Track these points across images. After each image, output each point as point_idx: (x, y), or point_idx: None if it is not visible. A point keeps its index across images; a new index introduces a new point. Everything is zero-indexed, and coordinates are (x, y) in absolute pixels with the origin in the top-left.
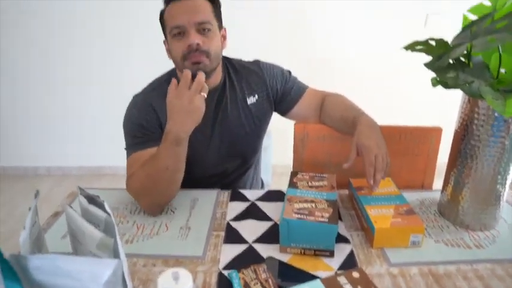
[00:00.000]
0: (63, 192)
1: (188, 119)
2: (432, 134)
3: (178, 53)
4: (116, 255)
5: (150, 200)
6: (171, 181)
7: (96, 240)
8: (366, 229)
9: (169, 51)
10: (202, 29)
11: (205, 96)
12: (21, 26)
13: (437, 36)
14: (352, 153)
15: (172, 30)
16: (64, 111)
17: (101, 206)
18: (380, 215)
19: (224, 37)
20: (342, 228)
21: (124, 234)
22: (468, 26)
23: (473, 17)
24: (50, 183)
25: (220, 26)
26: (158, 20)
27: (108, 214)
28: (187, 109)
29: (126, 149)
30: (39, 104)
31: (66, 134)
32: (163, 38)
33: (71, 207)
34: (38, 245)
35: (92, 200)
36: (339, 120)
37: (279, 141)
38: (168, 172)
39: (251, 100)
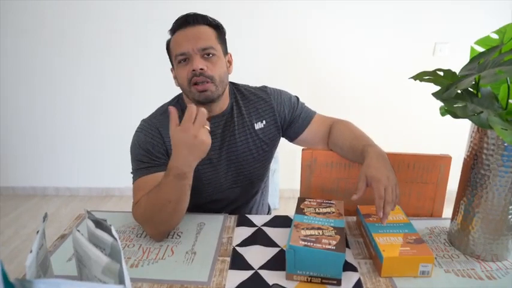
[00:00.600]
0: (71, 212)
1: (192, 153)
2: (441, 162)
3: (184, 78)
4: (121, 281)
5: (153, 228)
6: (174, 212)
7: (101, 265)
8: (374, 257)
9: (176, 79)
10: (206, 54)
11: (209, 129)
12: (33, 50)
13: (445, 64)
14: (360, 184)
15: (177, 57)
16: (74, 132)
17: (107, 230)
18: (388, 243)
19: (230, 62)
20: (349, 256)
21: (129, 258)
22: (476, 58)
23: (480, 49)
24: (58, 203)
25: (226, 52)
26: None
27: (115, 239)
28: (193, 143)
29: (132, 173)
30: (48, 125)
31: (76, 154)
32: (170, 65)
33: (79, 231)
34: (43, 268)
35: (99, 223)
36: (347, 148)
37: (287, 165)
38: (171, 204)
39: (259, 126)
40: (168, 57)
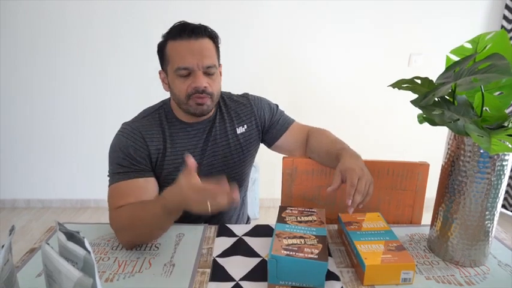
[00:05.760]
0: (43, 225)
1: (185, 206)
2: (419, 170)
3: (182, 91)
4: None
5: (125, 238)
6: (151, 234)
7: (73, 280)
8: (356, 265)
9: (165, 83)
10: (208, 72)
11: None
12: (5, 58)
13: (420, 74)
14: (335, 177)
15: (178, 69)
16: (45, 142)
17: (80, 242)
18: (370, 251)
19: (220, 73)
20: (331, 265)
21: (104, 272)
22: (452, 66)
23: (455, 58)
24: (29, 216)
25: (219, 63)
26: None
27: (88, 252)
28: (192, 203)
29: (109, 176)
30: (19, 134)
31: (48, 165)
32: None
33: (48, 244)
34: (9, 285)
35: (71, 236)
36: (324, 154)
37: (267, 175)
38: (150, 227)
39: (240, 130)
40: (158, 59)
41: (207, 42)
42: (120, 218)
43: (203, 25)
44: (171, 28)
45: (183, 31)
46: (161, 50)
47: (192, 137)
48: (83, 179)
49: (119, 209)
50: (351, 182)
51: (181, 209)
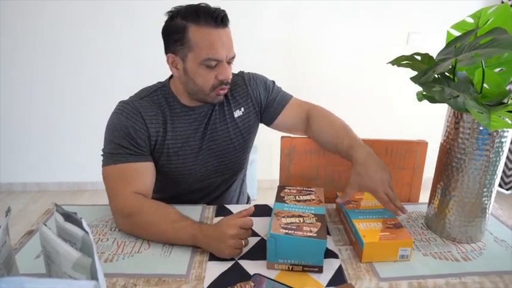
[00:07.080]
0: (40, 209)
1: (210, 245)
2: (418, 148)
3: (208, 82)
4: (93, 276)
5: (127, 227)
6: (155, 239)
7: (72, 261)
8: (355, 243)
9: (176, 68)
10: (230, 62)
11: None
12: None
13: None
14: (349, 190)
15: (208, 60)
16: (42, 125)
17: (78, 223)
18: (368, 229)
19: None
20: (330, 243)
21: (103, 253)
22: (452, 42)
23: (456, 33)
24: (26, 199)
25: None
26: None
27: (86, 232)
28: (220, 242)
29: (103, 155)
30: (13, 117)
31: (44, 148)
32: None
33: (46, 225)
34: (7, 267)
35: (69, 217)
36: (330, 147)
37: (265, 156)
38: (160, 239)
39: (237, 113)
40: (169, 40)
41: (229, 31)
42: (135, 213)
43: (224, 10)
44: (191, 9)
45: (212, 18)
46: (177, 32)
47: (193, 121)
48: (80, 162)
49: (132, 197)
50: (384, 201)
51: (206, 243)
